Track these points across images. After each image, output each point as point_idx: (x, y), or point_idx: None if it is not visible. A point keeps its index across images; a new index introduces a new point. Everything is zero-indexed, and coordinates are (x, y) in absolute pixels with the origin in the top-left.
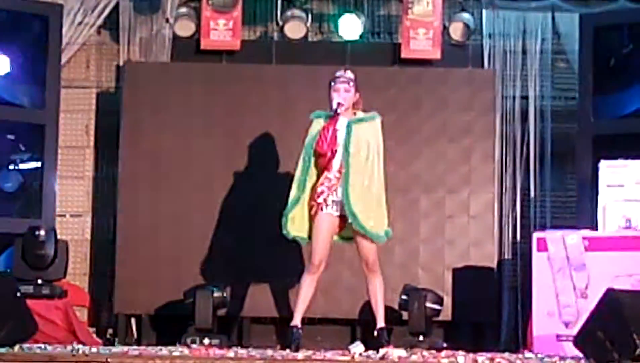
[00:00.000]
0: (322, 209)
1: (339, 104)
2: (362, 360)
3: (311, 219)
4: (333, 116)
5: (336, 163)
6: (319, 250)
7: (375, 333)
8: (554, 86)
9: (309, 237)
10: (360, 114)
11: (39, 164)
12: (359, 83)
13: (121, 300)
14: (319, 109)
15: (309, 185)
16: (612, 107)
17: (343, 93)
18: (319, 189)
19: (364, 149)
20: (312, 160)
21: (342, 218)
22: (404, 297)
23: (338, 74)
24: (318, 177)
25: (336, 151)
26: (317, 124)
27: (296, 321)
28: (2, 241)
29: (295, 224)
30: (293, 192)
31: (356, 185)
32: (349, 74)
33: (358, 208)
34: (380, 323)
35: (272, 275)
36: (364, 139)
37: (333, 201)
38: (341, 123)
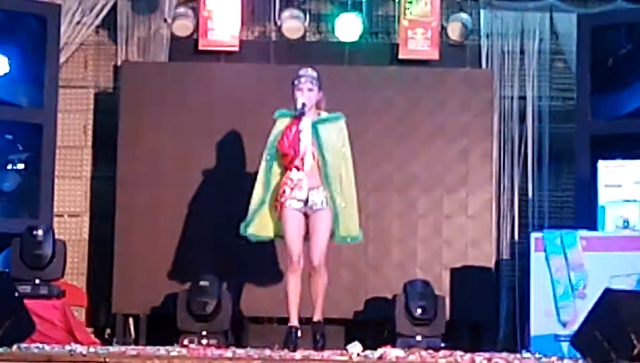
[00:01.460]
0: (286, 206)
1: (303, 104)
2: (360, 360)
3: (277, 218)
4: (297, 116)
5: (298, 162)
6: (294, 246)
7: (311, 327)
8: (552, 86)
9: (275, 235)
10: (324, 114)
11: (36, 164)
12: (357, 82)
13: (119, 299)
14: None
15: (273, 184)
16: (610, 108)
17: (307, 92)
18: (281, 189)
19: (331, 150)
20: (275, 159)
21: (306, 215)
22: (421, 303)
23: (301, 72)
24: (281, 176)
25: (299, 150)
26: (281, 124)
27: (293, 321)
28: None
29: (258, 225)
30: (258, 193)
31: (335, 182)
32: (312, 72)
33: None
34: (317, 317)
35: (271, 275)
36: (329, 140)
37: (296, 198)
38: (305, 123)
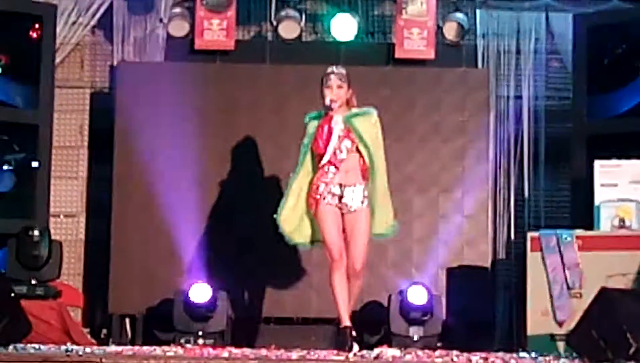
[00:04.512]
0: (322, 200)
1: (331, 101)
2: (357, 360)
3: (313, 218)
4: (326, 114)
5: (333, 158)
6: (334, 242)
7: (339, 332)
8: (548, 85)
9: (312, 242)
10: (354, 110)
11: (33, 164)
12: (353, 82)
13: (115, 300)
14: (312, 109)
15: (300, 186)
16: (606, 107)
17: (336, 89)
18: (314, 186)
19: (369, 139)
20: (307, 160)
21: (341, 212)
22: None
23: (329, 70)
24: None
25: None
26: (312, 127)
27: (345, 321)
28: None
29: (296, 230)
30: (286, 192)
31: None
32: (341, 69)
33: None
34: (346, 321)
35: (267, 276)
36: (366, 130)
37: (331, 193)
38: (336, 121)
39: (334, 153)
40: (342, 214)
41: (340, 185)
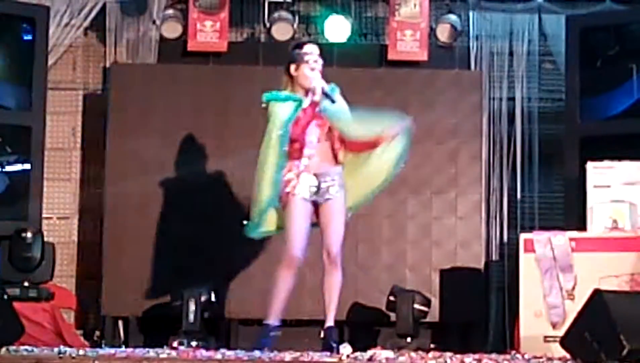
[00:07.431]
0: (294, 195)
1: (323, 90)
2: (350, 362)
3: (282, 208)
4: (315, 101)
5: (306, 150)
6: (297, 239)
7: (322, 333)
8: (541, 87)
9: (277, 228)
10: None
11: (25, 166)
12: (346, 84)
13: (108, 302)
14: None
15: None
16: (599, 109)
17: (318, 73)
18: (285, 178)
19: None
20: (283, 154)
21: (315, 204)
22: (391, 298)
23: (309, 49)
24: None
25: (305, 137)
26: (281, 108)
27: (271, 319)
28: None
29: (263, 224)
30: (265, 192)
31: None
32: (317, 49)
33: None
34: (330, 322)
35: (260, 277)
36: (341, 109)
37: (306, 185)
38: (316, 111)
39: (307, 145)
40: (317, 205)
41: (316, 175)
